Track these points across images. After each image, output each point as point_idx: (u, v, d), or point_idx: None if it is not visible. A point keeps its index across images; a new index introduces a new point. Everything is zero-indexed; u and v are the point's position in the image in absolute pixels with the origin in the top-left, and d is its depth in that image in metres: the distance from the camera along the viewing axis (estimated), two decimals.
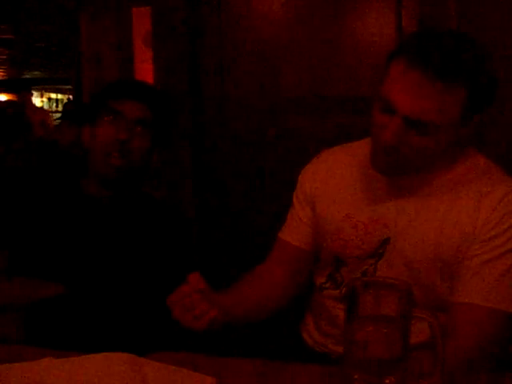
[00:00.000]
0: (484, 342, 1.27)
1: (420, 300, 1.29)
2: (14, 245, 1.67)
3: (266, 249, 1.60)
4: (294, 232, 1.56)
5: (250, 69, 2.64)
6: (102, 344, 1.19)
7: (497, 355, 1.29)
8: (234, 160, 2.69)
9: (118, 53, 2.70)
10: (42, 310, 1.60)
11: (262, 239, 1.64)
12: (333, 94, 2.53)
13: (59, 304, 1.58)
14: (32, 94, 9.71)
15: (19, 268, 1.64)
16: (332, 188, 1.50)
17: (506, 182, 1.34)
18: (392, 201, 1.41)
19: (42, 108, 11.89)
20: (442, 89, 1.21)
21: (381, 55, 1.40)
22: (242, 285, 1.53)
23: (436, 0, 2.31)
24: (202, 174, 2.72)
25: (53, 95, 15.95)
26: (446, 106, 1.23)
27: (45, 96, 15.79)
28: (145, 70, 2.66)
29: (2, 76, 12.56)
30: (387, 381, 0.93)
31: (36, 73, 12.36)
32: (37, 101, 14.49)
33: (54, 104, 15.86)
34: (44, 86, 14.58)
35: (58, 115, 9.37)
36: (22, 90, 8.74)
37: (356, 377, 0.95)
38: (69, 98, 12.53)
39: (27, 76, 12.80)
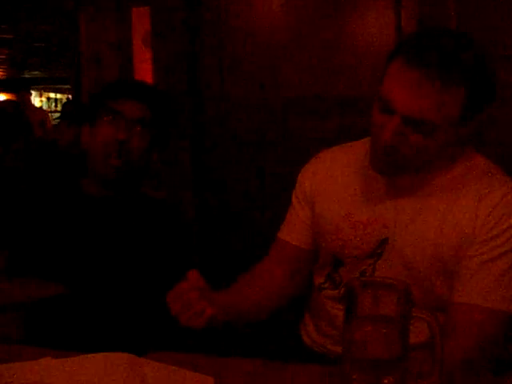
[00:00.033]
0: (483, 342, 1.27)
1: (419, 300, 1.28)
2: (14, 245, 1.67)
3: (266, 249, 1.60)
4: (293, 231, 1.56)
5: (250, 69, 2.64)
6: (102, 344, 1.19)
7: (496, 355, 1.29)
8: (234, 160, 2.69)
9: (117, 53, 2.70)
10: (41, 310, 1.60)
11: (261, 239, 1.64)
12: (332, 94, 2.53)
13: (59, 304, 1.58)
14: (31, 94, 9.70)
15: (19, 268, 1.64)
16: (331, 188, 1.51)
17: (505, 182, 1.34)
18: (391, 201, 1.41)
19: (40, 108, 11.89)
20: (440, 88, 1.21)
21: (380, 55, 1.40)
22: (241, 284, 1.53)
23: (435, 0, 2.31)
24: (202, 173, 2.72)
25: (52, 95, 15.94)
26: (445, 105, 1.23)
27: (44, 96, 15.78)
28: (144, 70, 2.66)
29: (2, 76, 12.55)
30: (386, 381, 0.94)
31: (35, 72, 12.35)
32: (36, 100, 14.48)
33: (53, 104, 15.85)
34: (43, 86, 14.57)
35: (57, 115, 9.37)
36: (21, 89, 8.74)
37: (355, 377, 0.95)
38: (68, 98, 12.52)
39: (26, 76, 12.79)
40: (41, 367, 1.11)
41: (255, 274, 1.57)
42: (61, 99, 15.38)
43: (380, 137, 1.29)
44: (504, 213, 1.29)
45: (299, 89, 2.58)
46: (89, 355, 1.14)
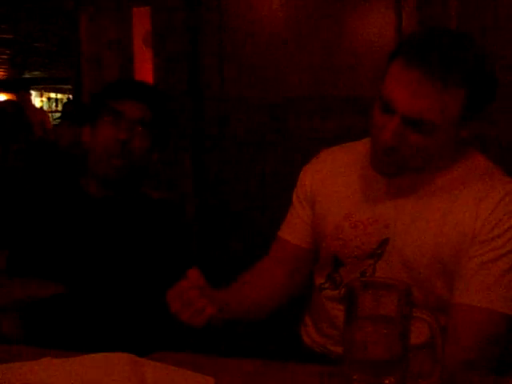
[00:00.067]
0: (483, 342, 1.27)
1: (419, 300, 1.29)
2: (14, 244, 1.67)
3: (266, 249, 1.60)
4: (294, 231, 1.56)
5: (250, 69, 2.64)
6: (102, 344, 1.19)
7: (496, 356, 1.29)
8: (234, 160, 2.70)
9: (117, 52, 2.70)
10: (41, 310, 1.60)
11: (261, 239, 1.64)
12: (333, 95, 2.53)
13: (59, 303, 1.58)
14: (31, 94, 9.71)
15: (19, 268, 1.64)
16: (332, 187, 1.51)
17: (505, 182, 1.34)
18: (391, 201, 1.40)
19: (40, 108, 11.89)
20: (440, 88, 1.21)
21: (381, 56, 1.40)
22: (241, 283, 1.53)
23: (436, 0, 2.31)
24: (202, 173, 2.72)
25: (52, 95, 15.95)
26: (445, 105, 1.23)
27: (44, 96, 15.79)
28: (145, 70, 2.66)
29: (2, 76, 12.55)
30: (386, 381, 0.94)
31: (36, 73, 12.35)
32: (36, 100, 14.48)
33: (54, 104, 15.86)
34: (44, 86, 14.57)
35: (58, 115, 9.36)
36: (21, 89, 8.74)
37: (355, 377, 0.95)
38: (68, 98, 12.52)
39: (27, 76, 12.79)
40: (41, 367, 1.11)
41: (255, 273, 1.57)
42: (61, 99, 15.39)
43: (380, 137, 1.29)
44: (504, 213, 1.29)
45: (299, 89, 2.58)
46: (89, 355, 1.14)
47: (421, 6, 2.35)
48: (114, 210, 1.71)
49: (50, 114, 11.63)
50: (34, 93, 13.59)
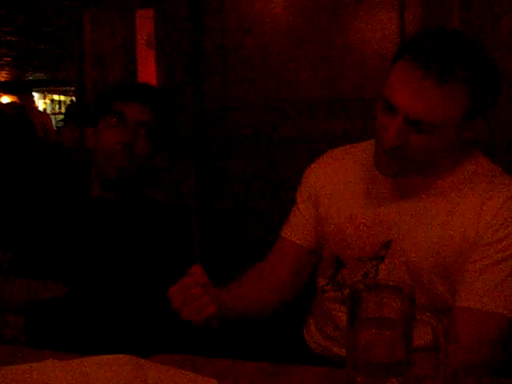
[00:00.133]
0: (485, 345, 1.27)
1: (422, 303, 1.29)
2: (17, 246, 1.67)
3: (268, 251, 1.60)
4: (297, 230, 1.56)
5: (253, 71, 2.64)
6: (104, 345, 1.19)
7: (498, 358, 1.28)
8: (237, 162, 2.69)
9: (121, 54, 2.71)
10: (43, 311, 1.60)
11: (263, 241, 1.63)
12: (336, 96, 2.53)
13: (61, 305, 1.58)
14: (33, 96, 9.73)
15: (22, 269, 1.64)
16: (335, 188, 1.51)
17: (508, 185, 1.34)
18: (395, 203, 1.40)
19: (43, 111, 11.92)
20: (443, 89, 1.21)
21: (383, 57, 1.40)
22: (242, 282, 1.52)
23: (439, 3, 2.31)
24: (204, 175, 2.72)
25: (56, 97, 15.98)
26: (448, 105, 1.23)
27: (48, 98, 15.83)
28: (148, 72, 2.66)
29: (6, 78, 12.58)
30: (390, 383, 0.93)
31: (39, 74, 12.38)
32: (40, 102, 14.51)
33: (57, 106, 15.89)
34: (47, 88, 14.61)
35: (61, 117, 9.38)
36: (24, 91, 8.76)
37: (359, 379, 0.95)
38: (72, 100, 12.55)
39: (30, 78, 12.82)
40: (43, 369, 1.11)
41: (257, 272, 1.57)
42: (64, 101, 15.42)
43: (383, 137, 1.29)
44: (507, 217, 1.28)
45: (302, 91, 2.58)
46: (91, 357, 1.14)
47: (424, 8, 2.34)
48: (117, 211, 1.71)
49: (53, 116, 11.66)
50: (37, 95, 13.62)
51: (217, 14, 2.65)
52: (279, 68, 2.60)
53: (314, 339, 1.57)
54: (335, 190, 1.50)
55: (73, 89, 9.82)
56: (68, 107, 8.65)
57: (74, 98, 10.76)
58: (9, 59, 10.03)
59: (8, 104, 7.69)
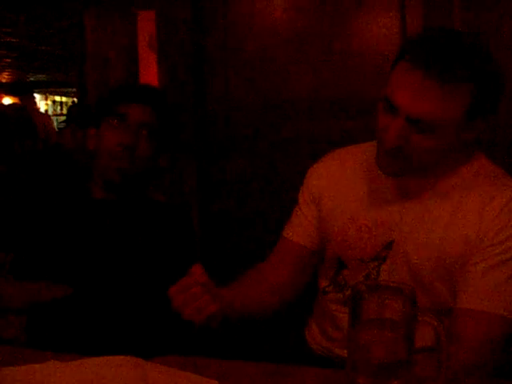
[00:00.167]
0: (486, 346, 1.26)
1: (423, 304, 1.28)
2: (20, 247, 1.67)
3: (269, 253, 1.60)
4: (298, 230, 1.56)
5: (255, 71, 2.64)
6: (106, 347, 1.19)
7: (499, 360, 1.28)
8: (239, 162, 2.69)
9: (122, 56, 2.71)
10: (45, 313, 1.61)
11: (264, 244, 1.64)
12: (337, 97, 2.53)
13: (63, 306, 1.58)
14: (34, 98, 9.73)
15: (24, 270, 1.64)
16: (337, 189, 1.51)
17: (511, 187, 1.34)
18: (397, 204, 1.40)
19: (44, 112, 11.92)
20: (444, 89, 1.21)
21: (384, 59, 1.40)
22: (244, 281, 1.52)
23: (440, 3, 2.31)
24: (206, 176, 2.72)
25: (57, 98, 15.98)
26: (448, 105, 1.23)
27: (49, 99, 15.83)
28: (150, 73, 2.66)
29: (7, 79, 12.59)
30: None
31: (40, 76, 12.38)
32: (41, 104, 14.51)
33: (59, 107, 15.89)
34: (48, 89, 14.61)
35: (63, 118, 9.39)
36: (25, 93, 8.76)
37: (360, 381, 0.95)
38: (73, 101, 12.55)
39: (32, 79, 12.83)
40: (45, 370, 1.11)
41: (258, 272, 1.56)
42: (66, 102, 15.42)
43: (384, 137, 1.29)
44: (509, 218, 1.28)
45: (304, 92, 2.58)
46: (93, 358, 1.14)
47: (424, 9, 2.34)
48: (119, 213, 1.71)
49: (54, 118, 11.66)
50: (38, 96, 13.61)
51: (219, 16, 2.66)
52: (280, 69, 2.60)
53: (315, 340, 1.57)
54: (337, 190, 1.50)
55: (74, 90, 9.82)
56: (70, 109, 8.66)
57: (75, 100, 10.76)
58: (10, 60, 10.04)
59: (10, 105, 7.70)
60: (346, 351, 0.99)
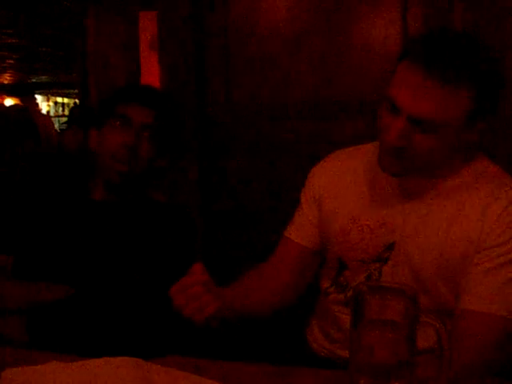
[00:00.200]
0: (488, 348, 1.26)
1: (425, 305, 1.28)
2: (20, 248, 1.67)
3: (270, 251, 1.60)
4: (300, 231, 1.56)
5: (257, 72, 2.64)
6: (108, 347, 1.19)
7: (500, 361, 1.28)
8: (241, 163, 2.69)
9: (124, 57, 2.71)
10: (46, 314, 1.60)
11: (266, 245, 1.63)
12: (340, 98, 2.53)
13: (64, 307, 1.58)
14: (36, 99, 9.75)
15: (24, 271, 1.64)
16: (339, 190, 1.51)
17: None
18: (399, 205, 1.40)
19: (46, 113, 11.93)
20: (446, 89, 1.21)
21: (386, 59, 1.40)
22: (245, 281, 1.52)
23: (441, 3, 2.31)
24: (208, 177, 2.72)
25: (59, 99, 16.01)
26: (450, 106, 1.23)
27: (51, 100, 15.85)
28: (151, 74, 2.66)
29: (9, 80, 12.61)
30: None
31: (42, 77, 12.40)
32: (43, 105, 14.54)
33: (61, 108, 15.91)
34: (50, 91, 14.63)
35: (64, 119, 9.39)
36: (27, 94, 8.78)
37: (362, 382, 0.95)
38: (75, 103, 12.56)
39: (33, 80, 12.85)
40: (47, 371, 1.11)
41: (260, 272, 1.56)
42: (68, 104, 15.45)
43: (386, 137, 1.29)
44: (510, 220, 1.28)
45: (306, 93, 2.58)
46: (95, 359, 1.14)
47: (426, 8, 2.34)
48: (121, 214, 1.71)
49: (56, 119, 11.68)
50: (40, 97, 13.65)
51: (220, 16, 2.66)
52: (281, 69, 2.60)
53: (317, 341, 1.57)
54: (339, 191, 1.50)
55: (76, 91, 9.82)
56: (71, 110, 8.67)
57: (77, 101, 10.77)
58: (12, 62, 10.06)
59: (11, 106, 7.71)
60: (347, 352, 0.99)
